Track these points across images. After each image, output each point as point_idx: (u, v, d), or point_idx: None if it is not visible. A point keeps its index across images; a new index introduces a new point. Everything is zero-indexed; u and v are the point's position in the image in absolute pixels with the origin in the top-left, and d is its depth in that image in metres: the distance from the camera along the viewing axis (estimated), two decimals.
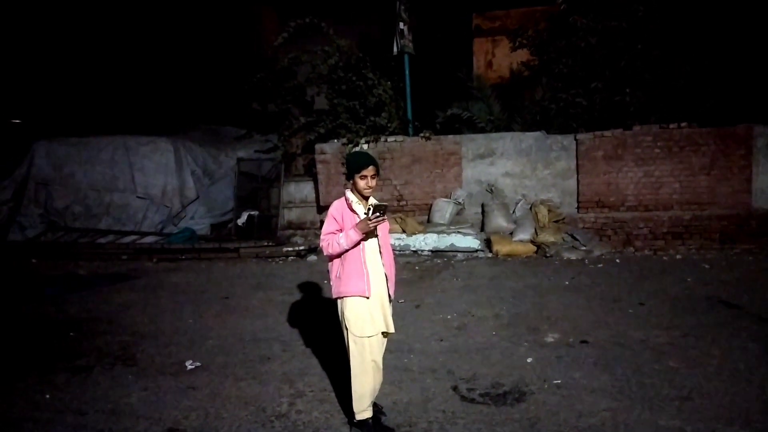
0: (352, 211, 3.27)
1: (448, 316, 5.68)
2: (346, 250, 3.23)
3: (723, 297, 5.92)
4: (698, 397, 3.63)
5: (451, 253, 8.84)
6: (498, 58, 12.40)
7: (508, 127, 10.23)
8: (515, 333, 5.03)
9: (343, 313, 3.31)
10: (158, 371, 4.44)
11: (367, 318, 3.26)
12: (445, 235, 9.02)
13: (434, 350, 4.71)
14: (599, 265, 7.84)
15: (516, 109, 10.47)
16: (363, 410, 3.28)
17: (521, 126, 10.13)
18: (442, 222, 9.38)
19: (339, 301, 3.33)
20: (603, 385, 3.86)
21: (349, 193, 3.32)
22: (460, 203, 9.61)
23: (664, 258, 8.22)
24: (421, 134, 9.85)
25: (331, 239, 3.23)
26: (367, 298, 3.25)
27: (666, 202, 8.94)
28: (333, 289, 3.35)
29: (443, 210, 9.48)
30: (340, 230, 3.25)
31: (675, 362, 4.23)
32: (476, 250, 8.83)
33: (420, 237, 9.05)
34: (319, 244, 9.51)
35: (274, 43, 10.71)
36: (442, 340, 4.94)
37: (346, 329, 3.29)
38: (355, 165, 3.25)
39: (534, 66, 10.78)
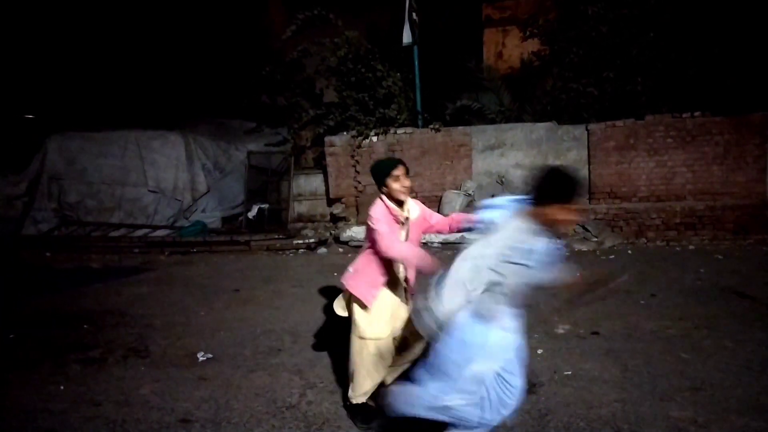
0: (395, 217, 3.17)
1: None
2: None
3: (736, 288, 5.85)
4: (710, 388, 3.60)
5: (461, 245, 8.82)
6: (508, 49, 12.30)
7: (519, 117, 10.16)
8: (525, 324, 5.00)
9: (350, 304, 3.35)
10: (170, 363, 4.49)
11: (371, 321, 3.27)
12: None
13: None
14: (611, 257, 7.78)
15: (526, 99, 10.38)
16: (358, 396, 3.33)
17: (532, 116, 10.05)
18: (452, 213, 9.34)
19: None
20: (614, 376, 3.84)
21: (386, 200, 3.18)
22: (470, 195, 9.57)
23: (677, 249, 8.14)
24: (431, 126, 9.81)
25: (395, 242, 3.06)
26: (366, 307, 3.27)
27: (679, 193, 8.84)
28: (347, 277, 3.35)
29: (453, 202, 9.44)
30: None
31: (687, 353, 4.20)
32: None
33: None
34: (327, 236, 9.54)
35: (282, 35, 10.69)
36: None
37: (353, 324, 3.34)
38: (384, 169, 3.14)
39: (544, 56, 10.68)
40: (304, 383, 3.99)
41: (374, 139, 9.87)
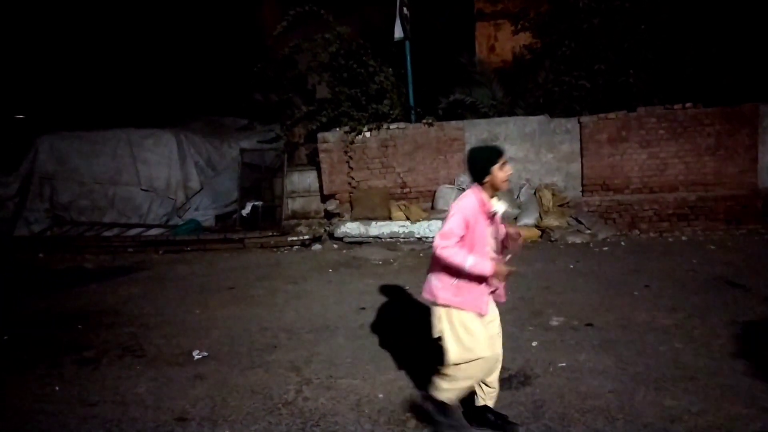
0: (486, 213, 2.92)
1: None
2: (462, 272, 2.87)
3: (728, 277, 5.90)
4: (703, 377, 3.63)
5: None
6: (500, 42, 12.28)
7: (512, 111, 10.16)
8: (520, 317, 5.03)
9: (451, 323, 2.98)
10: (166, 361, 4.48)
11: (482, 336, 2.95)
12: None
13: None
14: (604, 249, 7.82)
15: (519, 93, 10.38)
16: (448, 394, 3.02)
17: (524, 110, 10.05)
18: (446, 208, 9.35)
19: (447, 309, 2.99)
20: (608, 367, 3.86)
21: (481, 194, 2.93)
22: (464, 189, 9.56)
23: (670, 240, 8.18)
24: (424, 120, 9.80)
25: (455, 252, 2.83)
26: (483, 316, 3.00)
27: (671, 184, 8.88)
28: (438, 293, 3.00)
29: (447, 196, 9.45)
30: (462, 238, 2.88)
31: (680, 343, 4.23)
32: None
33: (425, 224, 9.04)
34: (322, 233, 9.53)
35: (274, 32, 10.64)
36: None
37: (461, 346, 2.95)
38: (491, 157, 2.90)
39: (536, 49, 10.67)
40: (300, 379, 4.00)
41: (367, 134, 9.85)
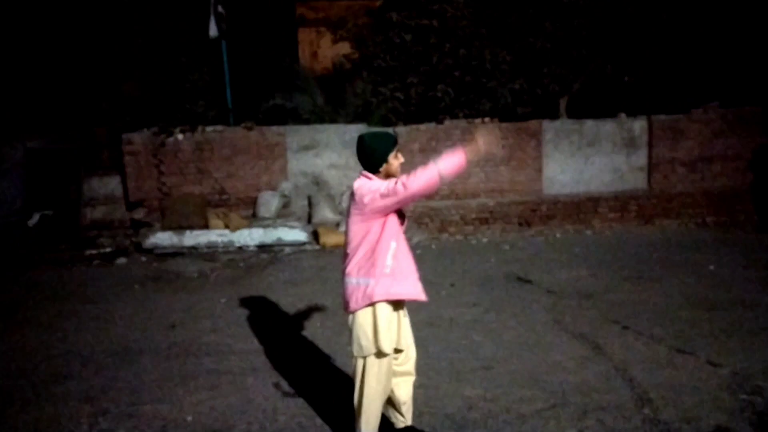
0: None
1: (272, 312, 5.57)
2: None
3: (520, 274, 6.67)
4: (497, 366, 4.03)
5: (278, 247, 8.69)
6: (323, 50, 12.45)
7: (333, 119, 10.35)
8: (338, 323, 5.09)
9: (372, 322, 2.79)
10: None
11: (392, 328, 2.84)
12: (271, 228, 8.81)
13: (256, 349, 4.56)
14: (418, 251, 8.33)
15: (340, 101, 10.63)
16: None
17: (345, 118, 10.31)
18: (268, 216, 9.16)
19: (368, 308, 2.78)
20: (417, 364, 4.07)
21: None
22: (286, 196, 9.48)
23: (473, 242, 9.01)
24: (243, 124, 9.49)
25: (416, 174, 2.61)
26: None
27: (474, 191, 9.78)
28: (374, 291, 2.75)
29: (269, 203, 9.26)
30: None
31: (479, 336, 4.65)
32: (304, 243, 8.79)
33: (245, 232, 8.72)
34: (128, 244, 8.65)
35: None
36: (263, 339, 4.80)
37: (368, 340, 2.79)
38: (387, 145, 2.83)
39: (355, 60, 11.02)
40: (95, 410, 3.56)
41: (180, 136, 9.22)
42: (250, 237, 8.67)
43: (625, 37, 9.94)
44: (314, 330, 4.98)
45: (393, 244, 2.80)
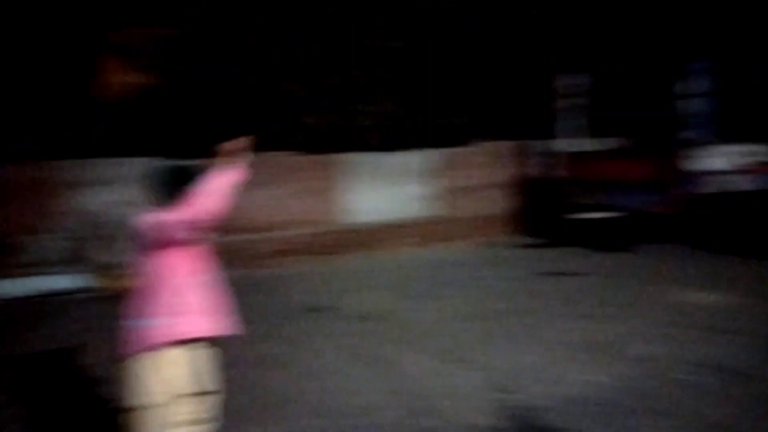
0: None
1: (39, 374, 4.93)
2: None
3: (312, 304, 6.86)
4: (289, 401, 4.09)
5: (50, 297, 7.68)
6: (122, 78, 11.46)
7: (127, 150, 9.56)
8: (115, 373, 4.68)
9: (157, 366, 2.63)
10: None
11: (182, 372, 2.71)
12: (43, 276, 7.80)
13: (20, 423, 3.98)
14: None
15: (133, 132, 9.92)
16: None
17: (136, 150, 9.61)
18: (39, 261, 8.07)
19: (153, 352, 2.64)
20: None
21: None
22: (63, 238, 8.46)
23: (267, 275, 8.76)
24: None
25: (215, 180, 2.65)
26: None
27: (271, 223, 9.68)
28: (150, 331, 2.63)
29: (42, 247, 8.20)
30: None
31: (269, 371, 4.66)
32: (80, 290, 7.90)
33: (7, 282, 7.56)
34: None
35: None
36: (29, 408, 4.21)
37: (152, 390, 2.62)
38: (177, 180, 2.81)
39: (149, 89, 10.40)
40: None
41: None
42: (14, 287, 7.56)
43: (416, 84, 11.23)
44: (89, 387, 4.52)
45: (182, 280, 2.72)
